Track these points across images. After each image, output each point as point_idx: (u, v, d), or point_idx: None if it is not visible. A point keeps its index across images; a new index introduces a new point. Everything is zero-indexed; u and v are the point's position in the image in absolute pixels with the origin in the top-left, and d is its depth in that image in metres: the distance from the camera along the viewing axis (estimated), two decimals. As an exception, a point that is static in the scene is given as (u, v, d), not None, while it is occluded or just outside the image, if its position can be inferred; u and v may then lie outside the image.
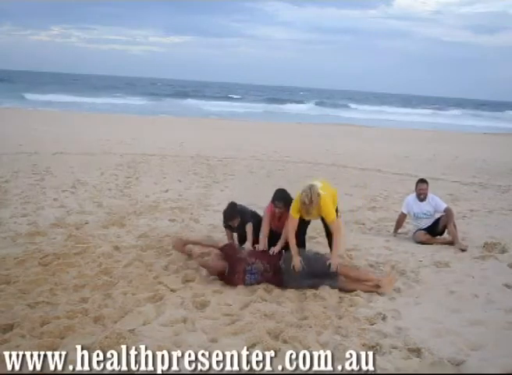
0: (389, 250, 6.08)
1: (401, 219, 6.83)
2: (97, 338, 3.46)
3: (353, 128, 28.86)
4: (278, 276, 4.78)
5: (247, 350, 3.44)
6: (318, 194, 4.77)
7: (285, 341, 3.59)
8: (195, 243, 5.50)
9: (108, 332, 3.53)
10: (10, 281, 4.55)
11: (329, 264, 4.69)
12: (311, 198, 4.72)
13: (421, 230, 6.53)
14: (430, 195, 6.60)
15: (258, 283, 4.75)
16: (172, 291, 4.51)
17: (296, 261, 4.77)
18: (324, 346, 3.55)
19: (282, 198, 5.19)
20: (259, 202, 8.36)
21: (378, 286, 4.62)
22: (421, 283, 4.89)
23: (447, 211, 6.45)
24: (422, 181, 6.64)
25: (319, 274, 4.68)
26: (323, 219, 5.15)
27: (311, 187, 4.80)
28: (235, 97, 61.25)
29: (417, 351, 3.47)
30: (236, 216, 5.52)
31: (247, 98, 59.94)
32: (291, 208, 4.99)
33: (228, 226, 5.72)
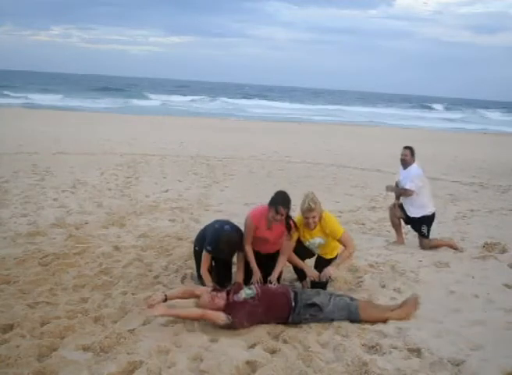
0: (388, 250, 6.08)
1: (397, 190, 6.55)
2: (97, 338, 3.47)
3: (354, 128, 28.86)
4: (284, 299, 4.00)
5: (247, 350, 3.45)
6: (319, 203, 4.38)
7: (285, 341, 3.59)
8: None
9: (108, 332, 3.54)
10: (10, 281, 4.55)
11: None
12: (314, 201, 4.31)
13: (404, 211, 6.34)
14: (413, 166, 6.27)
15: (259, 301, 3.92)
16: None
17: (311, 271, 4.48)
18: (324, 346, 3.55)
19: (288, 203, 4.34)
20: (259, 202, 8.36)
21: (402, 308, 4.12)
22: (421, 283, 4.88)
23: (406, 191, 6.13)
24: (405, 147, 6.39)
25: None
26: (318, 257, 4.78)
27: (313, 193, 4.40)
28: (234, 97, 61.09)
29: (417, 351, 3.46)
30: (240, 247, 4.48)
31: (248, 98, 59.91)
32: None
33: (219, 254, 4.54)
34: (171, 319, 3.89)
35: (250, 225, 4.48)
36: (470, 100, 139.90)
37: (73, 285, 4.56)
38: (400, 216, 6.39)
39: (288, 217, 4.40)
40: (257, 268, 4.48)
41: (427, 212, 6.23)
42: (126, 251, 5.67)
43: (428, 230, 6.23)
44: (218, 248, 4.40)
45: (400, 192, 6.33)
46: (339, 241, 4.56)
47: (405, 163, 6.33)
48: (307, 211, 4.33)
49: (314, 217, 4.36)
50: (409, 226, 6.53)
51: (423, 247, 6.21)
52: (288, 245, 4.55)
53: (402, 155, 6.35)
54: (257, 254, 4.58)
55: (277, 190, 4.52)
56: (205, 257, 4.56)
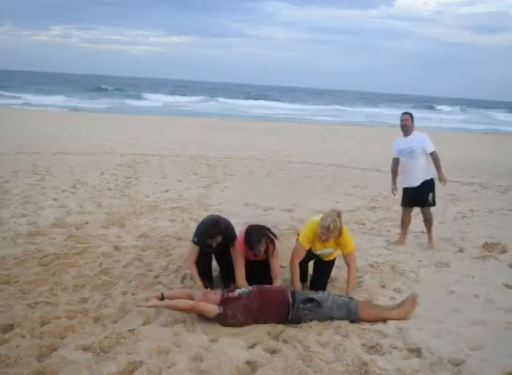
0: (388, 250, 6.08)
1: (394, 166, 6.48)
2: (97, 338, 3.47)
3: (354, 128, 28.86)
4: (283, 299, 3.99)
5: (247, 350, 3.44)
6: (341, 227, 4.35)
7: (285, 341, 3.59)
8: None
9: (108, 332, 3.53)
10: (10, 281, 4.55)
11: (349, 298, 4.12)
12: (339, 226, 4.30)
13: (407, 188, 6.31)
14: (416, 133, 6.22)
15: (253, 298, 3.96)
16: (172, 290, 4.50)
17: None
18: (324, 346, 3.55)
19: (260, 238, 4.30)
20: (259, 202, 8.39)
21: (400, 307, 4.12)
22: (421, 283, 4.88)
23: (433, 155, 6.08)
24: (404, 113, 6.29)
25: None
26: (317, 259, 4.75)
27: (339, 214, 4.34)
28: (234, 97, 61.00)
29: (417, 351, 3.47)
30: (220, 233, 4.43)
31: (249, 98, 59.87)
32: (301, 235, 4.53)
33: (205, 245, 4.50)
34: (171, 319, 3.89)
35: (241, 254, 4.47)
36: (470, 100, 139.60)
37: (73, 285, 4.56)
38: (411, 210, 6.35)
39: (270, 242, 4.38)
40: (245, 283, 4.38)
41: (427, 176, 6.19)
42: (126, 251, 5.67)
43: (434, 196, 6.21)
44: (200, 230, 4.51)
45: (440, 165, 6.10)
46: (346, 255, 4.55)
47: (407, 128, 6.18)
48: (325, 230, 4.32)
49: (328, 236, 4.37)
50: (418, 209, 6.48)
51: (424, 213, 6.25)
52: (278, 269, 4.49)
53: (403, 120, 6.18)
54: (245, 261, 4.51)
55: (248, 226, 4.50)
56: (191, 248, 4.62)
